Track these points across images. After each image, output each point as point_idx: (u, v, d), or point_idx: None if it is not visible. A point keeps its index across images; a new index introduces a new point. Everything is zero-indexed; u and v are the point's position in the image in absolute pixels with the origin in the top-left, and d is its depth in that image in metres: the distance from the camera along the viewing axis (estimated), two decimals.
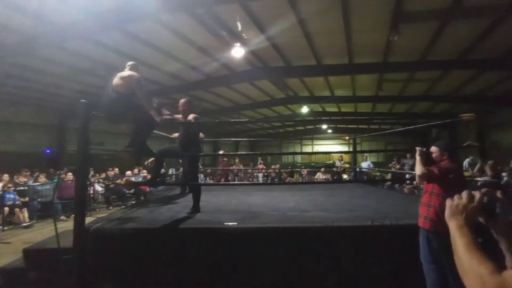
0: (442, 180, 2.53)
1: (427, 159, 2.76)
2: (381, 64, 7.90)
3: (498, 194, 0.87)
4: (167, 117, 3.47)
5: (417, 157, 2.72)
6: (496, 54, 6.93)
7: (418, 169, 2.63)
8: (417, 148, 2.80)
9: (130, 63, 3.52)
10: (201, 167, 10.08)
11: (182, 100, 4.12)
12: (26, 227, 6.93)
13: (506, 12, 5.10)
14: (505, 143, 12.09)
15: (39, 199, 7.70)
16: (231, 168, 10.87)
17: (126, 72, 3.29)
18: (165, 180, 6.37)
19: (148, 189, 9.10)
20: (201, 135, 4.93)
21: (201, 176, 10.86)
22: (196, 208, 3.78)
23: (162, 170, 4.91)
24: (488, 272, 0.72)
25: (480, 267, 0.74)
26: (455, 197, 0.89)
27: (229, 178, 10.12)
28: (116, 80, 3.20)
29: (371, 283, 2.92)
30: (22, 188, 7.74)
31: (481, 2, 4.95)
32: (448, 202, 0.90)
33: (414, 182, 8.18)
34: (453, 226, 0.86)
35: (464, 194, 0.87)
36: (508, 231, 0.86)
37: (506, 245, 0.86)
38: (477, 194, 0.87)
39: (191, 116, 3.88)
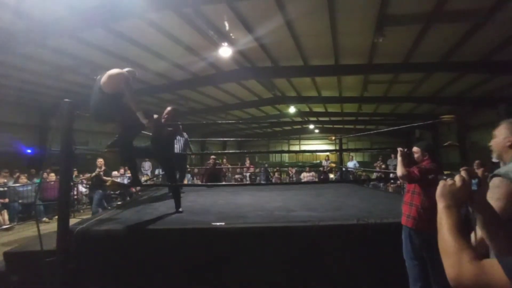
0: (423, 180, 2.61)
1: (409, 160, 2.84)
2: (367, 65, 8.05)
3: (479, 172, 0.90)
4: (154, 119, 3.44)
5: (399, 158, 2.80)
6: (476, 58, 7.18)
7: (399, 170, 2.71)
8: (399, 149, 2.88)
9: (126, 69, 3.39)
10: (188, 167, 10.02)
11: (168, 109, 4.05)
12: (7, 229, 6.72)
13: (485, 17, 5.29)
14: (484, 144, 12.46)
15: (20, 201, 7.47)
16: (219, 167, 10.81)
17: (115, 70, 3.13)
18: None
19: (134, 190, 8.97)
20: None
21: (188, 176, 10.80)
22: (178, 207, 3.81)
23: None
24: (468, 259, 0.73)
25: (461, 252, 0.74)
26: (448, 179, 0.89)
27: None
28: (104, 79, 3.07)
29: (357, 281, 2.99)
30: (1, 189, 7.49)
31: (461, 6, 5.12)
32: (441, 182, 0.90)
33: (398, 182, 8.40)
34: (441, 205, 0.87)
35: (457, 177, 0.88)
36: (484, 208, 0.88)
37: (481, 221, 0.88)
38: (466, 177, 0.88)
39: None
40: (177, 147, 5.49)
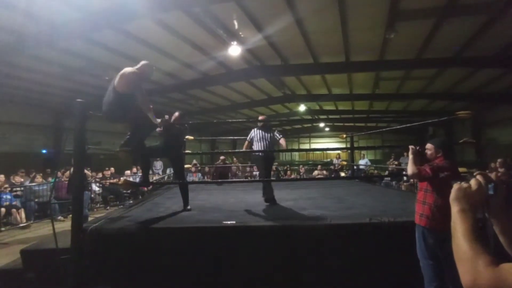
0: (435, 178, 2.54)
1: (421, 157, 2.77)
2: (378, 62, 7.92)
3: (493, 176, 0.87)
4: (165, 119, 3.51)
5: (410, 156, 2.73)
6: (492, 52, 6.97)
7: (410, 168, 2.65)
8: (410, 147, 2.81)
9: (142, 62, 3.42)
10: (198, 166, 10.13)
11: (176, 114, 4.01)
12: (23, 227, 6.90)
13: (501, 9, 5.13)
14: (501, 140, 12.18)
15: (36, 200, 7.66)
16: (228, 165, 10.85)
17: (127, 70, 3.19)
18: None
19: (146, 189, 9.09)
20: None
21: (199, 174, 10.88)
22: (186, 205, 3.93)
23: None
24: (484, 264, 0.70)
25: (476, 258, 0.71)
26: (463, 182, 0.86)
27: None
28: (117, 79, 3.17)
29: (370, 280, 2.94)
30: (18, 188, 7.70)
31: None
32: (456, 185, 0.86)
33: (411, 180, 8.24)
34: (456, 209, 0.83)
35: (473, 181, 0.84)
36: (501, 213, 0.84)
37: (499, 227, 0.84)
38: (482, 181, 0.84)
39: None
40: (262, 144, 4.55)
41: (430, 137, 17.09)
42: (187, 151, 8.08)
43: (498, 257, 0.72)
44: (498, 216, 0.85)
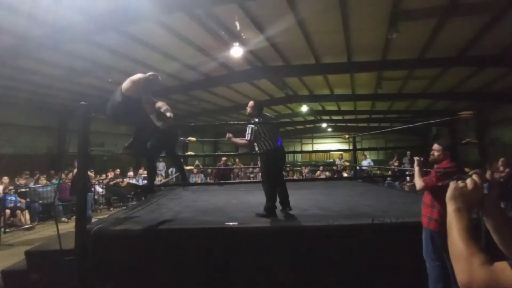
0: (443, 184, 2.53)
1: (426, 164, 2.77)
2: (380, 62, 7.90)
3: (488, 175, 0.87)
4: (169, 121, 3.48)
5: (416, 168, 2.72)
6: (495, 51, 6.93)
7: (418, 183, 2.68)
8: (415, 158, 2.81)
9: (150, 73, 3.48)
10: (201, 167, 10.15)
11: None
12: (28, 229, 6.94)
13: (505, 8, 5.10)
14: (505, 140, 12.09)
15: (40, 201, 7.71)
16: (231, 167, 10.87)
17: (137, 75, 3.31)
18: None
19: None
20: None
21: (201, 175, 10.93)
22: (184, 179, 3.99)
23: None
24: (479, 263, 0.71)
25: (471, 257, 0.73)
26: (459, 182, 0.87)
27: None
28: (126, 84, 3.24)
29: (372, 281, 2.93)
30: (23, 190, 7.75)
31: None
32: (452, 184, 0.88)
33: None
34: (452, 208, 0.85)
35: (469, 180, 0.86)
36: (495, 211, 0.86)
37: (492, 225, 0.85)
38: (478, 180, 0.85)
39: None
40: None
41: (433, 137, 17.01)
42: (189, 153, 8.13)
43: (492, 255, 0.73)
44: (491, 214, 0.86)
